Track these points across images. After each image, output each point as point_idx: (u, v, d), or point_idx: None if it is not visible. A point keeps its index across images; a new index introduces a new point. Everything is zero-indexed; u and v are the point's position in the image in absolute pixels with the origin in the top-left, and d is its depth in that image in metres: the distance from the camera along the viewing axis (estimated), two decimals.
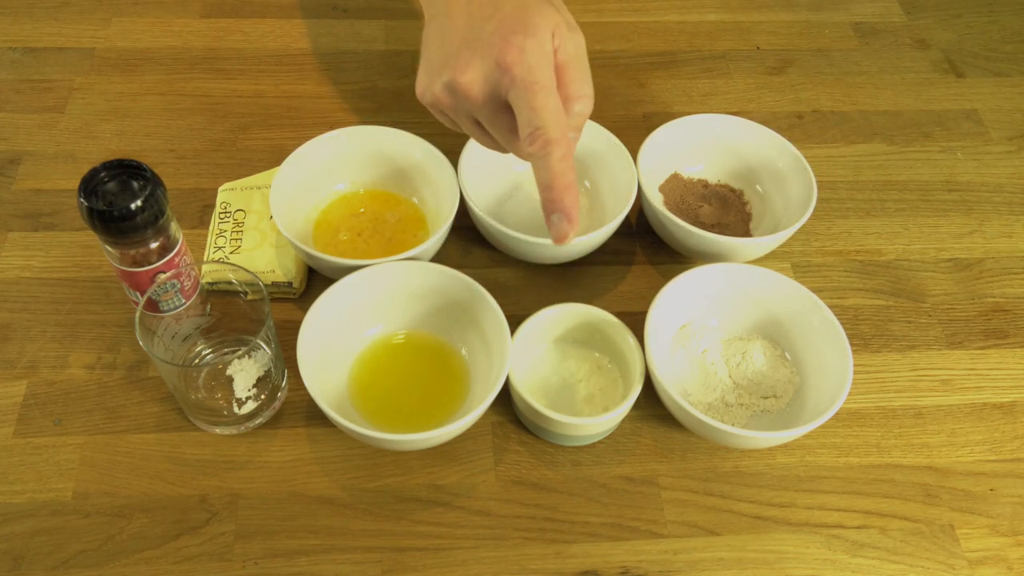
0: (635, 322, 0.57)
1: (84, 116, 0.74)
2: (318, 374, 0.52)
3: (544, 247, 0.60)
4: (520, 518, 0.54)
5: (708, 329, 0.61)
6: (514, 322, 0.55)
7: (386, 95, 0.78)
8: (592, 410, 0.57)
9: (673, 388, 0.53)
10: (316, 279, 0.64)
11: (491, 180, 0.66)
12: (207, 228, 0.66)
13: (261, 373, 0.54)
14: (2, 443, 0.55)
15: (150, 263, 0.52)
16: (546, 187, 0.46)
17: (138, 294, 0.54)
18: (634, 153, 0.65)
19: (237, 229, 0.63)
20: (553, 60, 0.46)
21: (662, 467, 0.57)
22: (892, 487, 0.57)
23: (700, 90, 0.82)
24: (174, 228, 0.53)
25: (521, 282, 0.66)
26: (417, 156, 0.65)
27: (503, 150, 0.52)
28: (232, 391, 0.53)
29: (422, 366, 0.59)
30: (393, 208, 0.67)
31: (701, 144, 0.70)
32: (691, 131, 0.69)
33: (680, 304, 0.60)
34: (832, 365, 0.56)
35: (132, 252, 0.51)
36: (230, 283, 0.55)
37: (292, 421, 0.57)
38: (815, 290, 0.60)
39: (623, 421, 0.58)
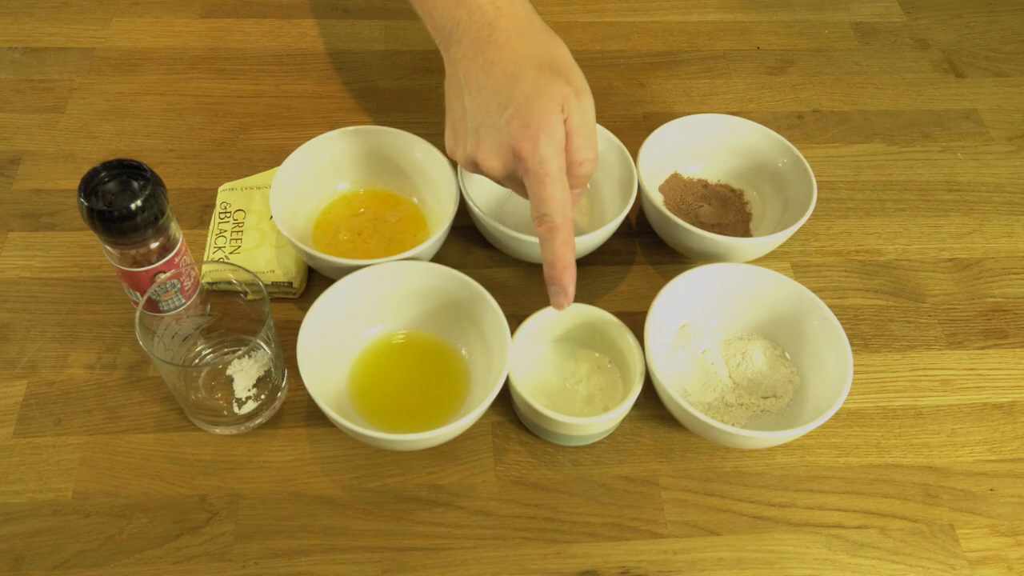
0: (635, 322, 0.57)
1: (84, 116, 0.74)
2: (318, 374, 0.52)
3: None
4: (520, 518, 0.54)
5: (708, 329, 0.61)
6: (514, 322, 0.55)
7: (386, 95, 0.78)
8: (592, 410, 0.57)
9: (673, 388, 0.53)
10: (316, 279, 0.64)
11: (491, 180, 0.66)
12: (207, 228, 0.66)
13: (261, 373, 0.54)
14: (2, 443, 0.55)
15: (150, 263, 0.52)
16: (549, 264, 0.53)
17: (138, 294, 0.54)
18: (634, 153, 0.65)
19: (237, 229, 0.63)
20: (563, 142, 0.51)
21: (662, 467, 0.57)
22: (892, 487, 0.57)
23: (700, 90, 0.82)
24: (174, 228, 0.53)
25: (521, 282, 0.66)
26: (417, 156, 0.65)
27: None
28: (232, 391, 0.53)
29: (422, 366, 0.59)
30: (393, 208, 0.67)
31: (701, 144, 0.70)
32: (691, 131, 0.69)
33: (680, 304, 0.60)
34: (832, 365, 0.56)
35: (132, 252, 0.51)
36: (230, 283, 0.55)
37: (292, 421, 0.57)
38: (815, 290, 0.60)
39: (623, 421, 0.58)
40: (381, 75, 0.80)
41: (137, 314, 0.50)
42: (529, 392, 0.53)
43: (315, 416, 0.57)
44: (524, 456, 0.57)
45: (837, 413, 0.59)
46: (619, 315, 0.57)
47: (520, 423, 0.58)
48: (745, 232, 0.68)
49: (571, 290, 0.53)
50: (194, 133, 0.73)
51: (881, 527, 0.56)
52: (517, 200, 0.68)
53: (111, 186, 0.50)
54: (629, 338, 0.56)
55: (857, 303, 0.67)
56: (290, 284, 0.62)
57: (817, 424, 0.52)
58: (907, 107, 0.82)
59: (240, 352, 0.51)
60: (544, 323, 0.58)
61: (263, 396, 0.55)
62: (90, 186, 0.49)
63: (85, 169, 0.51)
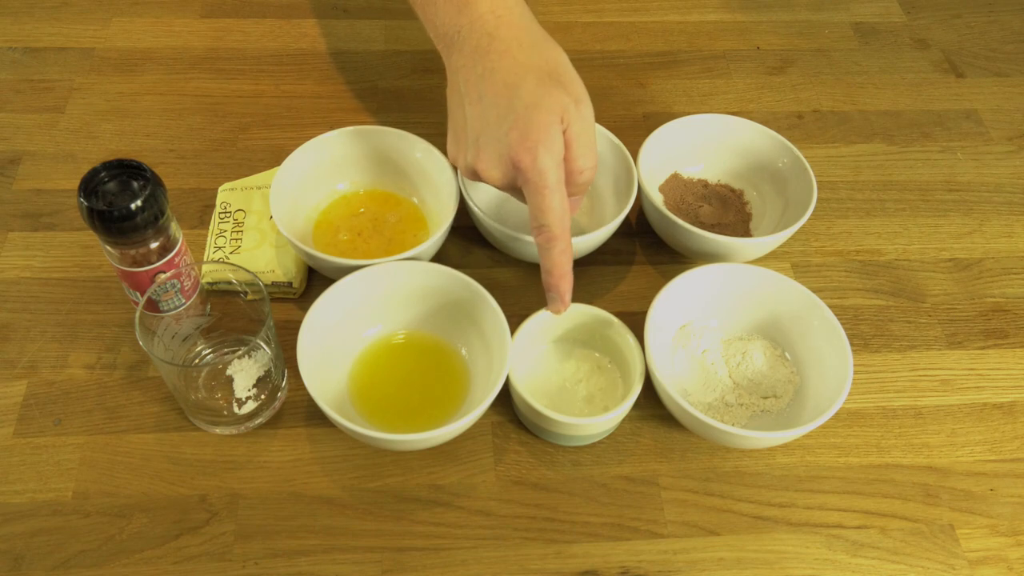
0: (635, 322, 0.57)
1: (84, 116, 0.74)
2: (318, 374, 0.52)
3: None
4: (520, 518, 0.54)
5: (708, 329, 0.61)
6: (514, 322, 0.55)
7: (386, 95, 0.78)
8: (592, 410, 0.57)
9: (673, 388, 0.53)
10: (316, 279, 0.64)
11: None
12: (207, 228, 0.66)
13: (261, 373, 0.54)
14: (2, 443, 0.55)
15: (150, 263, 0.52)
16: (547, 272, 0.54)
17: (138, 294, 0.54)
18: (634, 153, 0.65)
19: (237, 229, 0.63)
20: (562, 153, 0.51)
21: (662, 467, 0.57)
22: (892, 487, 0.57)
23: (700, 90, 0.82)
24: (174, 228, 0.53)
25: (521, 282, 0.66)
26: (417, 156, 0.65)
27: None
28: (232, 391, 0.53)
29: (422, 366, 0.59)
30: (393, 208, 0.67)
31: (701, 144, 0.70)
32: (691, 131, 0.69)
33: (680, 304, 0.60)
34: (832, 365, 0.56)
35: (132, 252, 0.51)
36: (230, 283, 0.55)
37: (292, 421, 0.57)
38: (815, 290, 0.60)
39: (623, 421, 0.58)
40: (381, 75, 0.80)
41: (137, 314, 0.50)
42: (529, 392, 0.53)
43: (315, 416, 0.57)
44: (524, 456, 0.57)
45: (837, 413, 0.59)
46: (619, 315, 0.57)
47: (520, 423, 0.58)
48: (745, 232, 0.68)
49: (568, 297, 0.55)
50: (194, 133, 0.73)
51: (881, 527, 0.56)
52: (517, 200, 0.68)
53: (111, 186, 0.50)
54: (629, 338, 0.56)
55: (857, 303, 0.67)
56: (290, 284, 0.62)
57: (817, 424, 0.52)
58: (907, 107, 0.82)
59: (240, 352, 0.51)
60: (544, 323, 0.58)
61: (263, 396, 0.55)
62: (90, 186, 0.49)
63: (85, 169, 0.51)
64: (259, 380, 0.54)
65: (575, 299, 0.56)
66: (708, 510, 0.55)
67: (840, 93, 0.83)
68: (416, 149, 0.65)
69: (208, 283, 0.57)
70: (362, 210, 0.66)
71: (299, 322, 0.53)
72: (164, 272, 0.53)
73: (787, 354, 0.60)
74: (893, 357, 0.64)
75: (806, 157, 0.66)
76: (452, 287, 0.57)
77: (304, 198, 0.65)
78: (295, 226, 0.62)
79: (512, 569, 0.52)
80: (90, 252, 0.64)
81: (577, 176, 0.53)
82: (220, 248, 0.62)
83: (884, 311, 0.67)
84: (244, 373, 0.53)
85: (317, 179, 0.65)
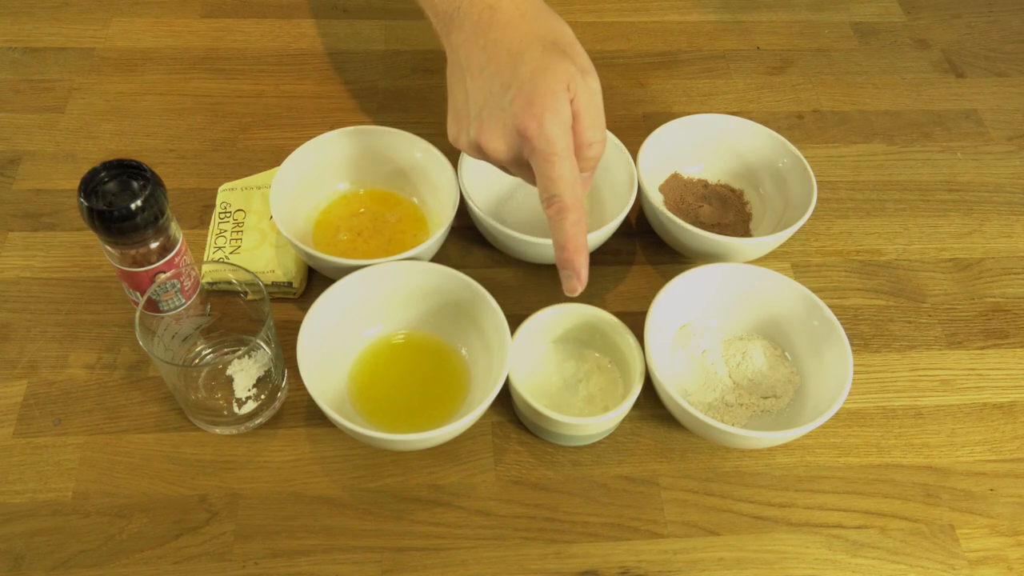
0: (635, 322, 0.57)
1: (84, 116, 0.74)
2: (318, 374, 0.52)
3: (544, 247, 0.60)
4: (520, 518, 0.54)
5: (708, 329, 0.61)
6: (514, 322, 0.55)
7: (386, 95, 0.78)
8: (592, 410, 0.57)
9: (673, 388, 0.53)
10: (316, 279, 0.64)
11: (491, 180, 0.66)
12: (207, 228, 0.66)
13: (261, 373, 0.54)
14: (2, 443, 0.55)
15: (150, 263, 0.52)
16: (560, 247, 0.50)
17: (138, 294, 0.54)
18: (634, 153, 0.65)
19: (237, 229, 0.63)
20: (570, 121, 0.49)
21: (662, 467, 0.57)
22: (892, 487, 0.57)
23: (700, 90, 0.82)
24: (174, 228, 0.53)
25: (521, 282, 0.66)
26: (417, 156, 0.65)
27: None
28: (232, 391, 0.53)
29: (422, 366, 0.59)
30: (393, 208, 0.67)
31: (701, 144, 0.70)
32: (691, 131, 0.69)
33: (680, 304, 0.60)
34: (832, 365, 0.56)
35: (132, 252, 0.51)
36: (230, 283, 0.55)
37: (292, 421, 0.57)
38: (815, 290, 0.60)
39: (623, 421, 0.58)
40: (381, 75, 0.80)
41: (137, 314, 0.50)
42: (529, 392, 0.53)
43: (315, 416, 0.57)
44: (524, 456, 0.57)
45: (837, 413, 0.59)
46: (619, 315, 0.57)
47: (520, 423, 0.58)
48: (745, 232, 0.68)
49: (584, 273, 0.51)
50: (194, 133, 0.73)
51: (881, 527, 0.56)
52: (517, 200, 0.68)
53: (111, 186, 0.50)
54: (629, 338, 0.56)
55: (857, 303, 0.67)
56: (290, 284, 0.62)
57: (817, 424, 0.52)
58: (907, 107, 0.82)
59: (240, 352, 0.51)
60: (544, 323, 0.58)
61: (263, 396, 0.55)
62: (90, 186, 0.49)
63: (85, 169, 0.50)
64: (259, 380, 0.54)
65: (575, 299, 0.56)
66: (708, 510, 0.55)
67: (840, 93, 0.83)
68: (416, 149, 0.65)
69: (208, 283, 0.57)
70: (362, 210, 0.66)
71: (299, 322, 0.53)
72: (164, 272, 0.53)
73: (787, 354, 0.60)
74: (893, 357, 0.64)
75: (806, 157, 0.66)
76: (452, 287, 0.57)
77: (304, 198, 0.65)
78: (295, 226, 0.62)
79: (512, 569, 0.52)
80: (90, 252, 0.64)
81: (586, 150, 0.51)
82: (220, 248, 0.62)
83: (884, 311, 0.67)
84: (244, 373, 0.53)
85: (317, 179, 0.65)
